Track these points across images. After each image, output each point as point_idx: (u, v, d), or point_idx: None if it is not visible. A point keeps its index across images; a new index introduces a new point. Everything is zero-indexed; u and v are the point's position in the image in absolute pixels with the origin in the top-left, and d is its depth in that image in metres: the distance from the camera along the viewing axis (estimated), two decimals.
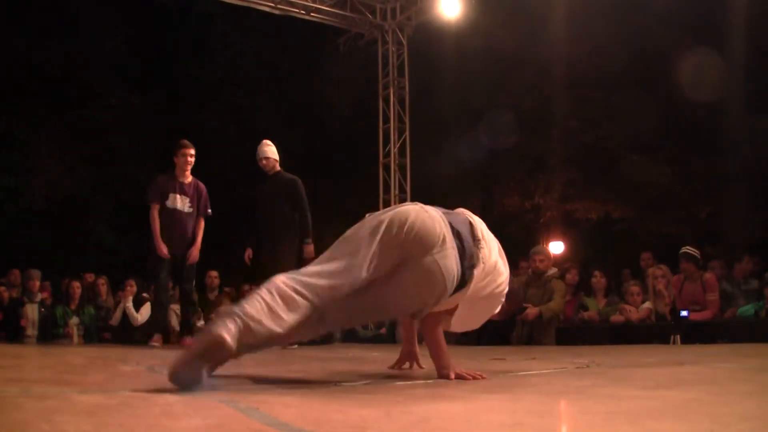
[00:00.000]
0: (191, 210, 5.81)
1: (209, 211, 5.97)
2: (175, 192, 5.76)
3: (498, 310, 2.46)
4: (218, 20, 15.09)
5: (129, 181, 14.93)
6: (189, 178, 5.88)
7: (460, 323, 2.42)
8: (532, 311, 6.06)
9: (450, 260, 2.14)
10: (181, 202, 5.76)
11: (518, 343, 6.18)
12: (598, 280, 6.65)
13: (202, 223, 5.91)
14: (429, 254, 2.11)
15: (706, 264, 6.67)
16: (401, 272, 2.12)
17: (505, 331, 6.46)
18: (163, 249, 5.62)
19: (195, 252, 5.83)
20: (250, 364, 2.88)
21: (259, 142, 6.24)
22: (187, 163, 5.81)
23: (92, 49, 14.35)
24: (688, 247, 6.38)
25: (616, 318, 6.21)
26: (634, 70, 13.16)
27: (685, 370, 2.79)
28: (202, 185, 5.96)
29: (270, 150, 6.12)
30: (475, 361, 3.42)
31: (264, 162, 6.09)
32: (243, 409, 1.46)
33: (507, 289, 2.40)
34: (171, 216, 5.72)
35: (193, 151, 5.84)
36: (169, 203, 5.73)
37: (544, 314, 6.07)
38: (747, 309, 5.97)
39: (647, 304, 6.21)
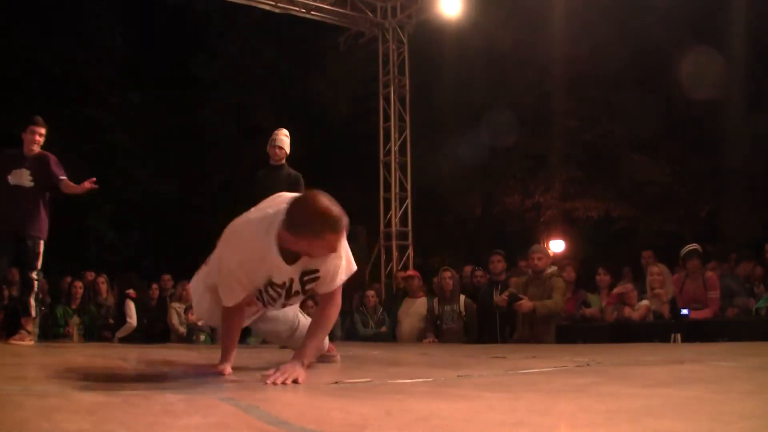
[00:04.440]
0: (32, 184, 5.44)
1: (62, 177, 5.51)
2: (18, 167, 5.42)
3: None
4: (218, 18, 15.09)
5: (129, 179, 14.93)
6: (34, 152, 5.50)
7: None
8: (526, 304, 5.97)
9: None
10: (21, 177, 5.42)
11: (518, 341, 6.17)
12: (602, 277, 6.60)
13: (68, 185, 5.50)
14: None
15: (735, 265, 6.67)
16: None
17: (505, 329, 6.45)
18: None
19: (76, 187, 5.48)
20: (250, 363, 2.88)
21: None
22: (33, 141, 5.47)
23: (92, 48, 14.35)
24: (691, 244, 6.37)
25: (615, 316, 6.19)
26: (634, 69, 13.14)
27: (685, 368, 2.79)
28: (48, 155, 5.54)
29: (286, 141, 5.92)
30: (476, 359, 3.42)
31: (277, 151, 5.86)
32: (244, 408, 1.46)
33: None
34: (13, 192, 5.36)
35: (43, 131, 5.56)
36: (11, 179, 5.39)
37: (538, 310, 5.99)
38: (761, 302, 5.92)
39: (645, 303, 6.19)
